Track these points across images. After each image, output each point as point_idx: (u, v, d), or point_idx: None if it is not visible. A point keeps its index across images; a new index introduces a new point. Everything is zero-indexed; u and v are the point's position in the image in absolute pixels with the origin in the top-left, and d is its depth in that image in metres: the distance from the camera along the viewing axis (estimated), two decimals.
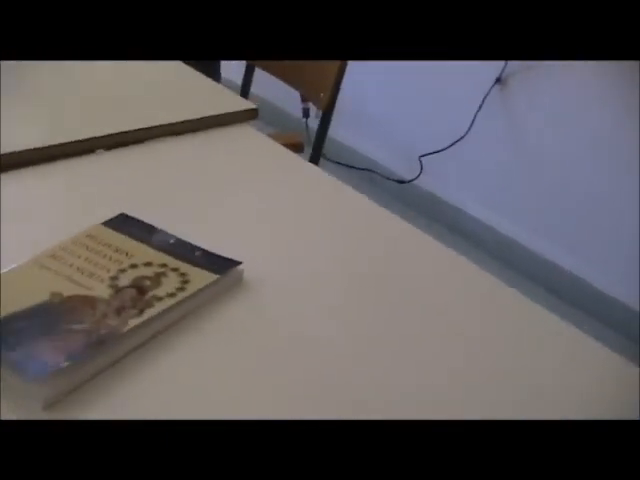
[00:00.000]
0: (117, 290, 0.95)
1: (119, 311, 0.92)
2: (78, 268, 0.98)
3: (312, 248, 1.05)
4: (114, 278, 0.97)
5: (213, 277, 0.98)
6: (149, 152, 1.24)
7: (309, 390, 0.85)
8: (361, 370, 0.87)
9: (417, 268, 1.01)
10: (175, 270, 0.99)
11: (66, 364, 0.84)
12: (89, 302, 0.93)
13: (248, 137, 1.27)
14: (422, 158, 2.84)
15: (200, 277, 0.98)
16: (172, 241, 1.04)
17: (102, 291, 0.94)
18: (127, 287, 0.95)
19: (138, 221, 1.07)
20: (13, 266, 0.96)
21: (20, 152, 1.18)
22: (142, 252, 1.01)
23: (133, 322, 0.90)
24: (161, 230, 1.06)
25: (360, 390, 0.84)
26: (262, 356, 0.89)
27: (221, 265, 1.00)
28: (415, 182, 2.87)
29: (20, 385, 0.82)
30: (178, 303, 0.94)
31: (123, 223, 1.06)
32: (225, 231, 1.10)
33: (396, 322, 0.94)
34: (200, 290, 0.96)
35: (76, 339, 0.87)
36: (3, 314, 0.88)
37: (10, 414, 0.76)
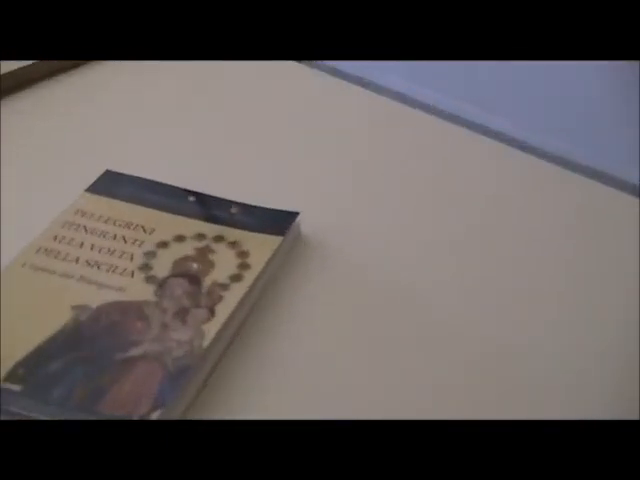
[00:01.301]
0: (160, 284, 0.69)
1: (181, 316, 0.66)
2: (88, 262, 0.71)
3: (372, 186, 0.82)
4: (145, 267, 0.71)
5: (274, 240, 0.74)
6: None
7: (434, 348, 0.66)
8: (480, 316, 0.68)
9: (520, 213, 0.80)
10: (220, 239, 0.74)
11: (155, 415, 0.59)
12: (132, 310, 0.67)
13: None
14: None
15: (257, 243, 0.73)
16: (193, 199, 0.78)
17: (139, 290, 0.68)
18: (171, 277, 0.70)
19: (135, 179, 0.80)
20: None
21: None
22: (164, 222, 0.75)
23: (210, 329, 0.65)
24: (172, 186, 0.79)
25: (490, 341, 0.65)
26: (369, 323, 0.69)
27: (275, 221, 0.76)
28: None
29: None
30: (251, 287, 0.69)
31: (115, 184, 0.79)
32: (246, 176, 0.84)
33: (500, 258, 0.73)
34: (269, 261, 0.72)
35: (147, 372, 0.62)
36: (15, 357, 0.62)
37: None
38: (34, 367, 0.62)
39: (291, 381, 0.63)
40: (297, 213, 0.76)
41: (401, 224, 0.78)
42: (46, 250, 0.72)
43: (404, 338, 0.67)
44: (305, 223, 0.77)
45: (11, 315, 0.66)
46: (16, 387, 0.61)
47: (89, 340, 0.64)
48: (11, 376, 0.61)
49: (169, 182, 0.79)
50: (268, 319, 0.69)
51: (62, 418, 0.58)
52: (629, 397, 0.45)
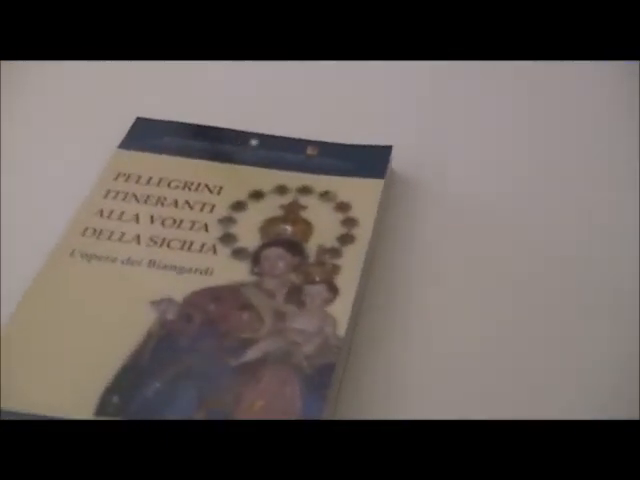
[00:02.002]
0: (253, 259, 0.55)
1: (295, 298, 0.53)
2: (153, 239, 0.56)
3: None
4: (227, 238, 0.56)
5: (375, 185, 0.60)
6: None
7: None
8: None
9: None
10: (307, 191, 0.60)
11: None
12: (230, 297, 0.53)
13: None
14: None
15: (355, 190, 0.60)
16: (256, 142, 0.63)
17: (230, 269, 0.54)
18: (265, 247, 0.56)
19: (177, 124, 0.64)
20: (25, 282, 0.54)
21: None
22: (229, 176, 0.61)
23: (338, 310, 0.52)
24: (225, 129, 0.64)
25: None
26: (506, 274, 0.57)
27: (367, 160, 0.62)
28: None
29: None
30: (368, 249, 0.55)
31: (153, 134, 0.64)
32: (312, 109, 0.69)
33: None
34: (378, 212, 0.58)
35: (278, 381, 0.48)
36: (98, 382, 0.49)
37: None
38: (129, 392, 0.48)
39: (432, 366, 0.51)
40: (390, 147, 0.62)
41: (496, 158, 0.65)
42: (94, 230, 0.56)
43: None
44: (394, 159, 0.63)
45: (74, 324, 0.51)
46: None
47: (186, 345, 0.50)
48: (104, 407, 0.47)
49: (218, 124, 0.63)
50: (390, 285, 0.55)
51: None
52: (629, 397, 0.44)
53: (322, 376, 0.49)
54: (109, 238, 0.56)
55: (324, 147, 0.63)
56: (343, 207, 0.58)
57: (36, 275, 0.53)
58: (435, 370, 0.51)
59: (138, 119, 0.65)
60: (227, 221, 0.57)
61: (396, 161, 0.62)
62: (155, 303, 0.52)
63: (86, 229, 0.57)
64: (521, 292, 0.55)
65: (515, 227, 0.60)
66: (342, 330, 0.51)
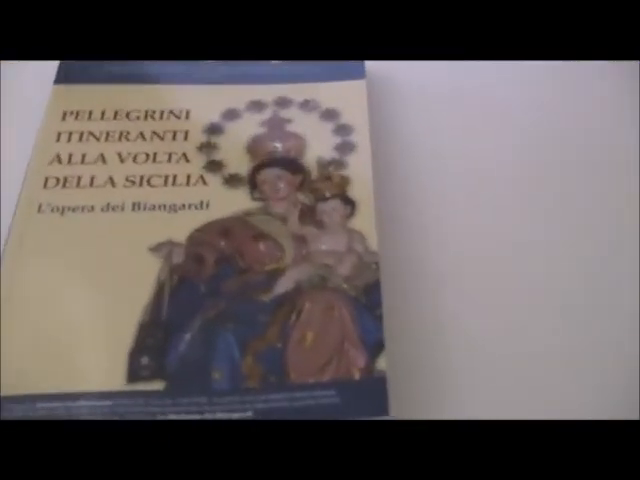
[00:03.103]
0: (250, 183, 0.50)
1: (310, 218, 0.49)
2: (130, 179, 0.50)
3: None
4: (213, 166, 0.51)
5: (357, 86, 0.56)
6: None
7: None
8: None
9: None
10: (285, 103, 0.55)
11: (381, 364, 0.42)
12: (238, 230, 0.48)
13: None
14: None
15: (339, 94, 0.55)
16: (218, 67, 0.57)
17: (228, 198, 0.50)
18: (259, 169, 0.51)
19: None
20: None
21: None
22: (196, 99, 0.55)
23: (363, 223, 0.48)
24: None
25: None
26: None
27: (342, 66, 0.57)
28: None
29: None
30: (372, 153, 0.52)
31: (90, 63, 0.57)
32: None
33: None
34: (369, 114, 0.54)
35: (319, 307, 0.45)
36: (119, 346, 0.43)
37: None
38: (158, 350, 0.42)
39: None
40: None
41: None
42: (57, 180, 0.50)
43: None
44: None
45: (72, 288, 0.45)
46: (155, 386, 0.41)
47: (206, 288, 0.45)
48: (136, 372, 0.41)
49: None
50: (403, 191, 0.52)
51: (244, 411, 0.40)
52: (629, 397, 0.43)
53: (370, 295, 0.45)
54: (77, 185, 0.50)
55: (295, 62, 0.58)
56: (330, 114, 0.54)
57: (5, 241, 0.46)
58: (461, 275, 0.48)
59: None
60: (207, 147, 0.52)
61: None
62: (154, 249, 0.47)
63: (47, 179, 0.50)
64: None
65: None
66: (374, 244, 0.47)
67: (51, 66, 0.56)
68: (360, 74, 0.56)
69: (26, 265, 0.46)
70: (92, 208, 0.49)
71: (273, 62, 0.57)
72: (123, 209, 0.49)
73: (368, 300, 0.45)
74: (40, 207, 0.49)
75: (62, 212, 0.48)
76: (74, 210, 0.48)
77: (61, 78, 0.55)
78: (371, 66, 0.57)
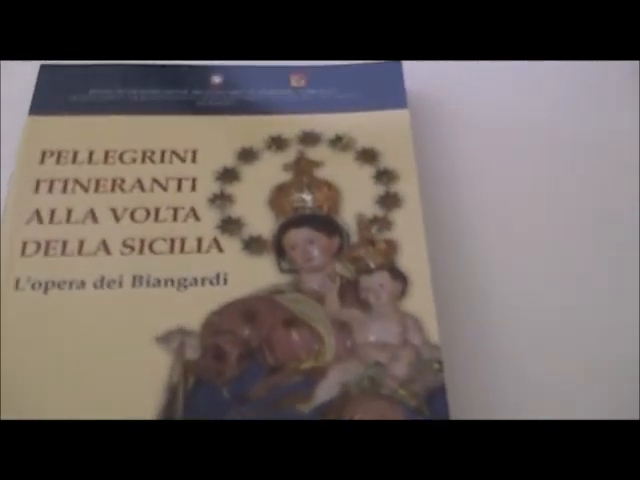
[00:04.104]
0: (276, 250, 0.42)
1: (353, 297, 0.41)
2: (126, 244, 0.42)
3: None
4: (231, 224, 0.43)
5: (398, 117, 0.48)
6: None
7: None
8: None
9: None
10: (312, 139, 0.47)
11: None
12: (267, 312, 0.40)
13: None
14: None
15: (376, 128, 0.47)
16: (219, 79, 0.49)
17: (248, 271, 0.42)
18: (286, 230, 0.43)
19: (103, 69, 0.49)
20: None
21: None
22: (203, 134, 0.47)
23: (417, 306, 0.41)
24: (170, 65, 0.49)
25: None
26: None
27: (374, 84, 0.49)
28: None
29: None
30: (420, 206, 0.44)
31: (72, 86, 0.48)
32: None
33: None
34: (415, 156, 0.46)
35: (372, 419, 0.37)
36: None
37: None
38: None
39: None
40: (399, 63, 0.49)
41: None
42: (38, 245, 0.41)
43: None
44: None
45: (63, 392, 0.37)
46: None
47: (233, 395, 0.37)
48: None
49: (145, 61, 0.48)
50: (458, 256, 0.44)
51: None
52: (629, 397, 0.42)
53: (433, 405, 0.37)
54: (63, 252, 0.41)
55: (312, 73, 0.49)
56: (368, 156, 0.46)
57: None
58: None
59: (43, 67, 0.48)
60: (221, 199, 0.43)
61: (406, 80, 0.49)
62: (162, 339, 0.38)
63: (25, 244, 0.41)
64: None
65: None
66: (434, 334, 0.39)
67: (24, 90, 0.46)
68: (401, 101, 0.47)
69: (5, 360, 0.37)
70: (82, 284, 0.40)
71: (294, 84, 0.48)
72: (121, 285, 0.40)
73: (432, 412, 0.37)
74: (18, 282, 0.40)
75: (45, 289, 0.40)
76: (60, 286, 0.40)
77: (37, 107, 0.46)
78: (411, 90, 0.48)
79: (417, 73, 0.49)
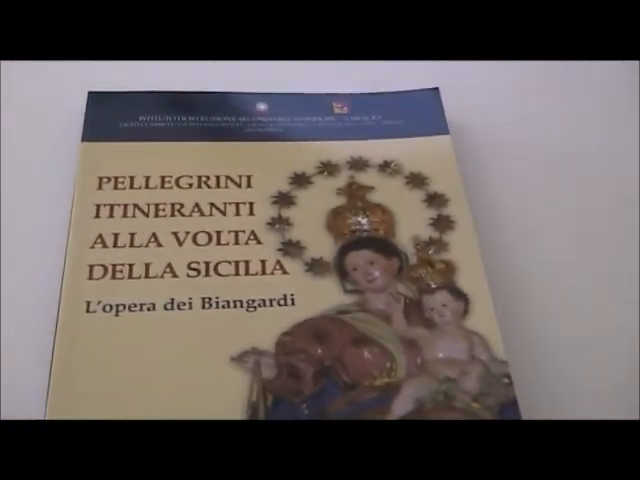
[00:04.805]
0: (338, 270, 0.44)
1: (416, 316, 0.43)
2: (191, 267, 0.44)
3: None
4: (292, 247, 0.45)
5: (442, 143, 0.50)
6: None
7: None
8: None
9: None
10: (361, 164, 0.49)
11: None
12: (337, 332, 0.42)
13: None
14: None
15: (422, 153, 0.50)
16: (264, 106, 0.51)
17: (311, 291, 0.44)
18: (346, 251, 0.45)
19: (150, 96, 0.51)
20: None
21: None
22: (255, 160, 0.49)
23: (481, 324, 0.43)
24: (216, 93, 0.51)
25: None
26: None
27: (414, 110, 0.52)
28: None
29: None
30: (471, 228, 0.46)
31: (121, 113, 0.49)
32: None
33: None
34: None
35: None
36: None
37: None
38: None
39: None
40: (436, 89, 0.52)
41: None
42: (104, 268, 0.42)
43: None
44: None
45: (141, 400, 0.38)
46: None
47: (312, 411, 0.39)
48: None
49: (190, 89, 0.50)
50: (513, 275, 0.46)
51: None
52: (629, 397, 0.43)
53: (506, 416, 0.39)
54: (130, 276, 0.42)
55: (354, 100, 0.51)
56: (417, 180, 0.48)
57: (53, 349, 0.39)
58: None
59: (92, 94, 0.49)
60: (279, 223, 0.45)
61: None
62: (238, 359, 0.40)
63: (91, 268, 0.42)
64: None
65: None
66: (500, 350, 0.41)
67: (75, 117, 0.48)
68: (443, 127, 0.50)
69: (78, 380, 0.38)
70: (153, 306, 0.41)
71: (337, 111, 0.50)
72: (191, 306, 0.41)
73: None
74: (89, 305, 0.41)
75: (116, 312, 0.41)
76: (131, 309, 0.41)
77: (89, 133, 0.47)
78: (452, 117, 0.50)
79: (452, 100, 0.52)
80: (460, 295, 0.43)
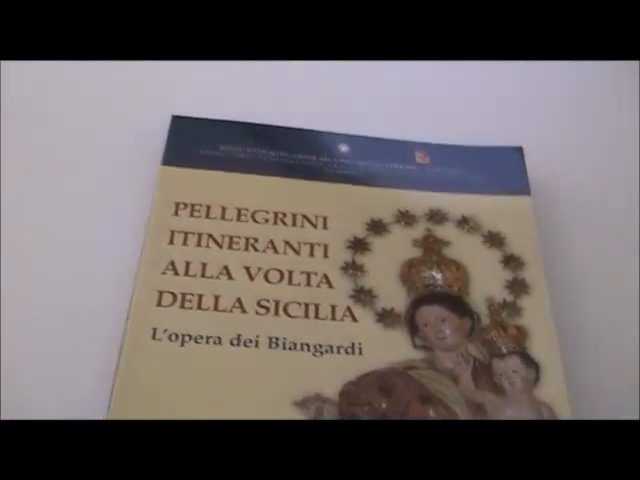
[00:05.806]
0: (409, 324, 0.44)
1: (484, 380, 0.43)
2: (261, 304, 0.43)
3: None
4: (364, 295, 0.45)
5: (522, 204, 0.50)
6: None
7: None
8: None
9: None
10: (439, 217, 0.49)
11: None
12: (403, 387, 0.42)
13: None
14: None
15: (501, 213, 0.49)
16: (346, 148, 0.51)
17: (384, 343, 0.44)
18: (418, 305, 0.45)
19: (233, 126, 0.51)
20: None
21: None
22: (333, 201, 0.49)
23: (550, 394, 0.42)
24: (301, 129, 0.52)
25: None
26: None
27: (496, 166, 0.51)
28: None
29: None
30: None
31: (203, 140, 0.50)
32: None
33: None
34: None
35: None
36: None
37: None
38: None
39: None
40: (520, 149, 0.52)
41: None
42: (174, 296, 0.42)
43: None
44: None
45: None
46: None
47: None
48: None
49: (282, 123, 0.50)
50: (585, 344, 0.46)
51: None
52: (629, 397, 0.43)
53: None
54: (199, 306, 0.42)
55: (436, 151, 0.51)
56: (494, 240, 0.48)
57: (115, 372, 0.39)
58: None
59: (175, 119, 0.50)
60: (353, 269, 0.45)
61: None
62: (301, 403, 0.40)
63: (161, 294, 0.42)
64: None
65: None
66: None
67: (157, 140, 0.48)
68: (525, 188, 0.49)
69: (137, 407, 0.39)
70: (219, 340, 0.41)
71: (419, 161, 0.50)
72: (257, 345, 0.42)
73: None
74: (155, 332, 0.41)
75: (182, 342, 0.41)
76: (197, 340, 0.41)
77: (170, 158, 0.48)
78: (534, 177, 0.50)
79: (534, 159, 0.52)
80: (531, 363, 0.43)
